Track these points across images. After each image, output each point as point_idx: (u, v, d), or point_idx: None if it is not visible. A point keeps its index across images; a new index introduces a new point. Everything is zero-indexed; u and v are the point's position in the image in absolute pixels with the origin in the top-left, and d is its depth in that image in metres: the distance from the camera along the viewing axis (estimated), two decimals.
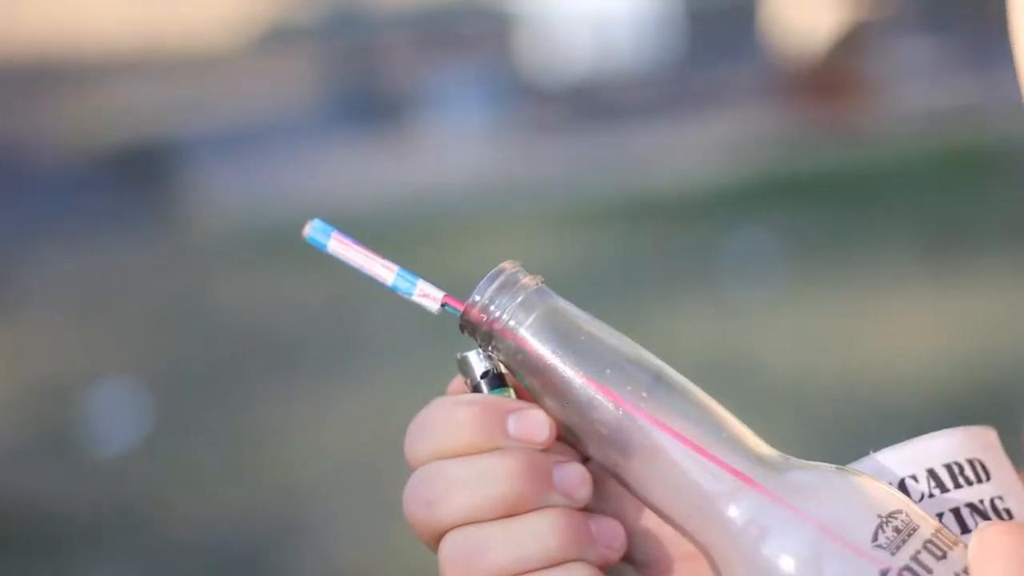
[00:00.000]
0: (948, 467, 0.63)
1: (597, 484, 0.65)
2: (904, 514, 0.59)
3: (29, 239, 5.86)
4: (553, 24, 7.96)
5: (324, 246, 0.64)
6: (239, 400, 4.09)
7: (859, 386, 3.90)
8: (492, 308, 0.63)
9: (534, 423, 0.63)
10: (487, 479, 0.61)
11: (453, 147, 6.83)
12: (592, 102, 7.47)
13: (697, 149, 6.47)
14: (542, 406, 0.63)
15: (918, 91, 7.17)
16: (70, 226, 5.97)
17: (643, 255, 5.14)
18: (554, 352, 0.62)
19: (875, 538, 0.57)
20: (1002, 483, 0.64)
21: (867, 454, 0.63)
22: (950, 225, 5.22)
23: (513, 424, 0.63)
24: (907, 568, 0.57)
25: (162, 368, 4.36)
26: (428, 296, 0.64)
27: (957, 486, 0.63)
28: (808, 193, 5.73)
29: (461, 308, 0.64)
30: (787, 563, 0.58)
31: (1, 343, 4.71)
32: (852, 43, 7.13)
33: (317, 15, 9.11)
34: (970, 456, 0.63)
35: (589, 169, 6.30)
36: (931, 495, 0.62)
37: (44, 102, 8.37)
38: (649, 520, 0.65)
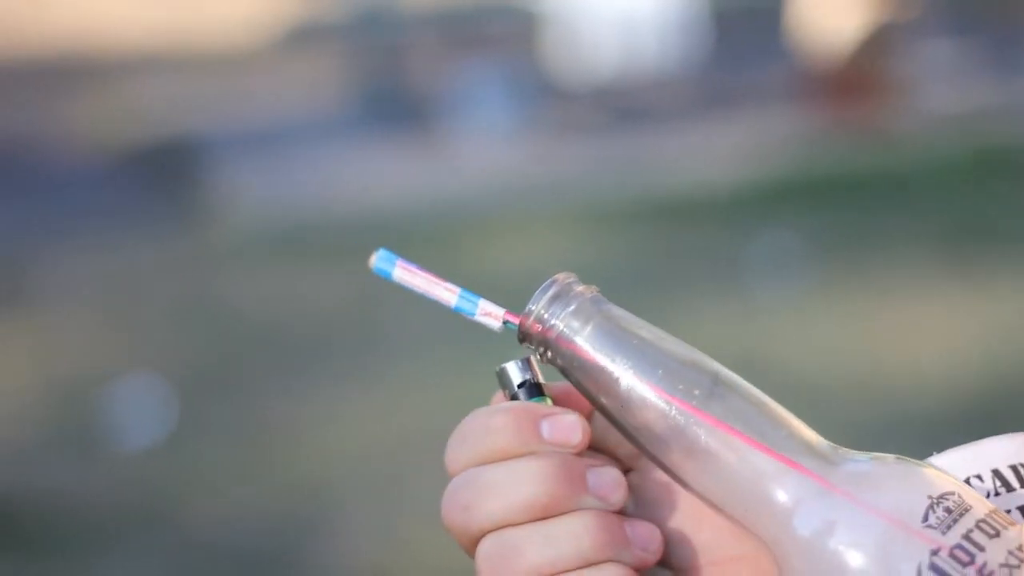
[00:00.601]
0: (1014, 468, 0.63)
1: (633, 490, 0.66)
2: (956, 495, 0.59)
3: (51, 237, 5.88)
4: (579, 25, 7.96)
5: (389, 275, 0.67)
6: (258, 398, 4.09)
7: (882, 389, 3.90)
8: (547, 317, 0.65)
9: (567, 426, 0.64)
10: (521, 482, 0.62)
11: (478, 147, 6.84)
12: (617, 103, 7.47)
13: (721, 150, 6.47)
14: (600, 410, 0.64)
15: (943, 93, 7.16)
16: (92, 224, 5.98)
17: (666, 256, 5.14)
18: (608, 356, 0.63)
19: (925, 518, 0.58)
20: None
21: (926, 456, 0.63)
22: (974, 227, 5.21)
23: (547, 428, 0.64)
24: (958, 546, 0.57)
25: (182, 366, 4.37)
26: (490, 314, 0.67)
27: None
28: (832, 195, 5.72)
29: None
30: (853, 556, 0.58)
31: (23, 340, 4.73)
32: (877, 45, 7.12)
33: (342, 14, 9.12)
34: None
35: (613, 170, 6.30)
36: (997, 493, 0.62)
37: (67, 100, 8.40)
38: (686, 525, 0.66)
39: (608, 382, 0.63)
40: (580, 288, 0.65)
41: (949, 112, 6.80)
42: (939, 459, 0.63)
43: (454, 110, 7.33)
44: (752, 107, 7.15)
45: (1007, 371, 3.91)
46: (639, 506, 0.66)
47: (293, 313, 4.79)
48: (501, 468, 0.63)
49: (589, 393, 0.64)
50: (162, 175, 6.66)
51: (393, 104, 7.47)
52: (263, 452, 3.75)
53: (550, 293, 0.65)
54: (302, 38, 9.75)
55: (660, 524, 0.65)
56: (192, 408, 4.03)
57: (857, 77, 6.92)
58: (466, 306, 0.66)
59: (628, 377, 0.63)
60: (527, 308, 0.65)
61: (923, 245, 5.00)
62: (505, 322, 0.66)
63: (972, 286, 4.56)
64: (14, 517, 3.47)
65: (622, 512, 0.64)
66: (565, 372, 0.65)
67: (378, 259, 0.66)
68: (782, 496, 0.60)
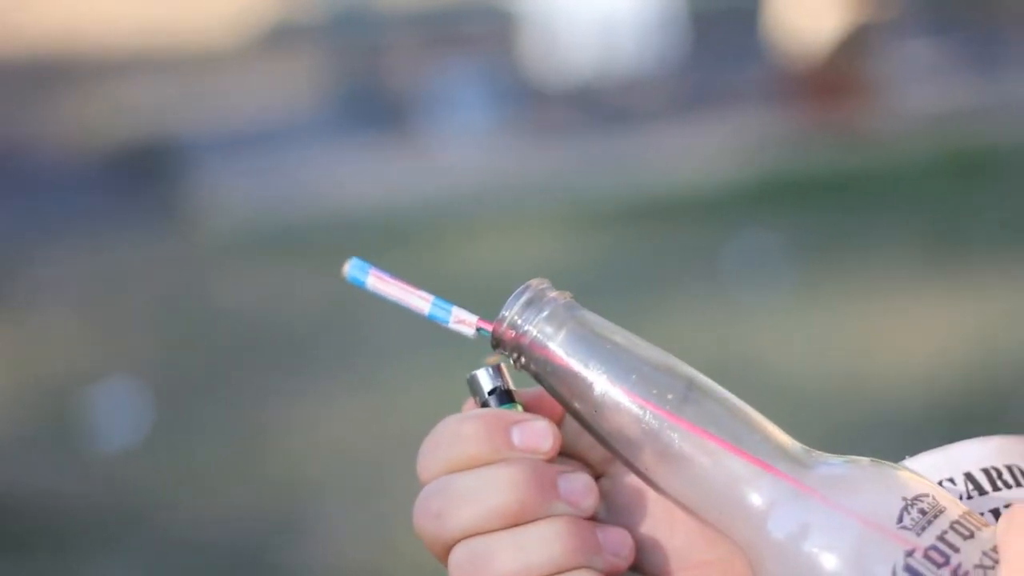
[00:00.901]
0: (986, 471, 0.63)
1: (605, 496, 0.66)
2: (931, 497, 0.59)
3: (34, 237, 5.86)
4: (557, 25, 7.96)
5: (363, 283, 0.67)
6: (242, 398, 4.09)
7: (864, 389, 3.90)
8: (520, 323, 0.65)
9: (538, 433, 0.64)
10: (492, 489, 0.63)
11: (457, 147, 6.83)
12: (596, 103, 7.46)
13: (701, 151, 6.47)
14: (574, 415, 0.65)
15: (922, 93, 7.17)
16: (74, 224, 5.97)
17: (648, 257, 5.13)
18: (582, 362, 0.63)
19: (900, 519, 0.58)
20: None
21: (903, 458, 0.64)
22: (954, 227, 5.22)
23: (517, 435, 0.64)
24: (933, 547, 0.57)
25: (166, 366, 4.37)
26: (463, 322, 0.67)
27: (996, 489, 0.63)
28: (812, 195, 5.73)
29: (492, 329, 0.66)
30: (827, 558, 0.58)
31: (6, 341, 4.72)
32: (855, 45, 7.12)
33: (322, 14, 9.10)
34: (1008, 462, 0.64)
35: (593, 170, 6.29)
36: (969, 497, 0.63)
37: (49, 100, 8.37)
38: (658, 530, 0.66)
39: (582, 387, 0.63)
40: (553, 294, 0.65)
41: (928, 112, 6.81)
42: (912, 463, 0.64)
43: (434, 111, 7.32)
44: (731, 108, 7.15)
45: (987, 372, 3.91)
46: (611, 511, 0.66)
47: (276, 313, 4.78)
48: (472, 476, 0.63)
49: (563, 398, 0.64)
50: (144, 175, 6.65)
51: (373, 105, 7.46)
52: (249, 453, 3.75)
53: (523, 299, 0.65)
54: (283, 39, 9.73)
55: (632, 529, 0.66)
56: (176, 409, 4.02)
57: (835, 78, 6.93)
58: (440, 314, 0.67)
59: (602, 382, 0.63)
60: (500, 314, 0.65)
61: (903, 245, 5.00)
62: (478, 329, 0.66)
63: (952, 286, 4.56)
64: (1, 517, 3.47)
65: (594, 518, 0.64)
66: (538, 378, 0.65)
67: (351, 268, 0.67)
68: (756, 499, 0.60)
